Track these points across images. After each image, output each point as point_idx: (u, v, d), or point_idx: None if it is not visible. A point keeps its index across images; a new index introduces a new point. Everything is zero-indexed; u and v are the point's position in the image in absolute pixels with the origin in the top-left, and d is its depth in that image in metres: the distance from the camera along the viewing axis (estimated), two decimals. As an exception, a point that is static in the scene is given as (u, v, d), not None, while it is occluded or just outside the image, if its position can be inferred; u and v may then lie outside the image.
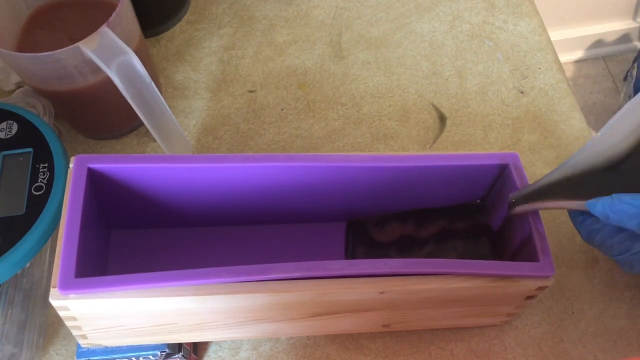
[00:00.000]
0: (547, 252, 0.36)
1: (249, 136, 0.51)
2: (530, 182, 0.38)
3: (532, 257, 0.36)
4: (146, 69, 0.40)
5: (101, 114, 0.48)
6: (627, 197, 0.31)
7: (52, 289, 0.33)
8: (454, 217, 0.43)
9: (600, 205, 0.32)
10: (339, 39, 0.56)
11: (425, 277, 0.35)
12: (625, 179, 0.34)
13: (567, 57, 1.43)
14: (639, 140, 0.34)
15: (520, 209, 0.37)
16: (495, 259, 0.42)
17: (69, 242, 0.33)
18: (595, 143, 0.34)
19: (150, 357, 0.38)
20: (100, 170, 0.36)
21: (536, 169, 0.49)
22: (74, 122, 0.50)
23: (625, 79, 1.35)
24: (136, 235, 0.41)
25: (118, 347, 0.38)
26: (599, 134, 0.34)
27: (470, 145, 0.51)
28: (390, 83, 0.54)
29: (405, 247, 0.42)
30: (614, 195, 0.32)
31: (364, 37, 0.56)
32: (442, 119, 0.52)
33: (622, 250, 0.34)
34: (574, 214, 0.37)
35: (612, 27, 1.41)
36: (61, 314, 0.34)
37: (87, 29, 0.40)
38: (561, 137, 0.51)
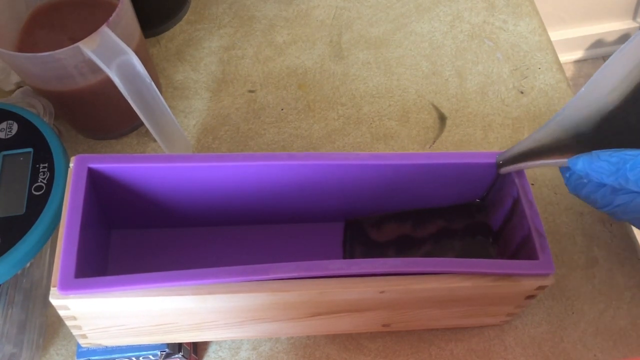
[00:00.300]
0: (547, 250, 0.36)
1: (249, 136, 0.51)
2: (529, 181, 0.38)
3: (531, 256, 0.36)
4: (146, 69, 0.40)
5: (101, 114, 0.48)
6: (605, 155, 0.32)
7: (52, 289, 0.33)
8: (453, 216, 0.43)
9: (580, 163, 0.33)
10: (339, 39, 0.56)
11: (425, 276, 0.35)
12: (611, 130, 0.34)
13: (567, 57, 1.43)
14: (628, 90, 0.34)
15: (507, 169, 0.38)
16: (495, 258, 0.41)
17: (69, 242, 0.33)
18: (580, 97, 0.35)
19: (150, 357, 0.38)
20: (100, 170, 0.36)
21: (535, 168, 0.49)
22: (74, 122, 0.50)
23: (625, 79, 1.35)
24: (136, 235, 0.41)
25: (118, 346, 0.38)
26: (583, 89, 0.35)
27: (470, 145, 0.51)
28: (390, 83, 0.54)
29: (403, 247, 0.42)
30: (593, 153, 0.33)
31: (364, 37, 0.56)
32: (442, 119, 0.52)
33: (605, 204, 0.35)
34: (562, 169, 0.38)
35: (612, 27, 1.41)
36: (61, 313, 0.34)
37: (87, 29, 0.40)
38: (561, 137, 0.51)
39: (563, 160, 0.35)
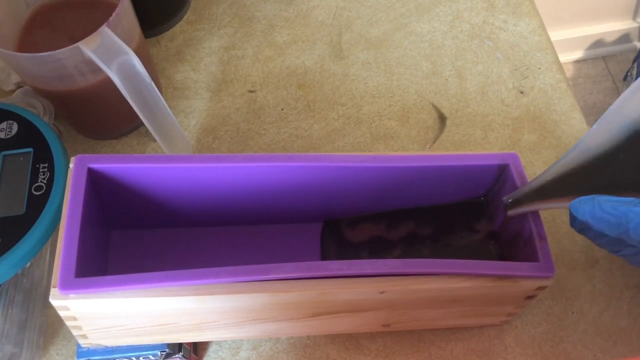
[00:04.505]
0: (547, 253, 0.36)
1: (249, 136, 0.51)
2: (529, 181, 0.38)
3: (532, 257, 0.36)
4: (146, 69, 0.40)
5: (101, 114, 0.48)
6: (607, 206, 0.30)
7: (52, 289, 0.33)
8: (453, 216, 0.43)
9: (581, 211, 0.32)
10: (339, 39, 0.56)
11: (424, 277, 0.35)
12: (616, 172, 0.33)
13: (567, 57, 1.43)
14: (628, 135, 0.33)
15: (514, 211, 0.37)
16: (495, 259, 0.41)
17: (69, 242, 0.33)
18: (587, 138, 0.34)
19: (150, 357, 0.38)
20: (100, 170, 0.36)
21: (536, 169, 0.49)
22: (74, 122, 0.50)
23: (625, 79, 1.35)
24: (136, 235, 0.41)
25: (118, 347, 0.38)
26: (590, 130, 0.34)
27: (470, 145, 0.51)
28: (390, 83, 0.54)
29: (375, 248, 0.42)
30: (595, 200, 0.31)
31: (364, 37, 0.56)
32: (442, 119, 0.52)
33: (612, 251, 0.34)
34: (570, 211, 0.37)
35: (612, 27, 1.41)
36: (61, 313, 0.34)
37: (87, 29, 0.40)
38: (561, 137, 0.51)
39: (567, 203, 0.33)
